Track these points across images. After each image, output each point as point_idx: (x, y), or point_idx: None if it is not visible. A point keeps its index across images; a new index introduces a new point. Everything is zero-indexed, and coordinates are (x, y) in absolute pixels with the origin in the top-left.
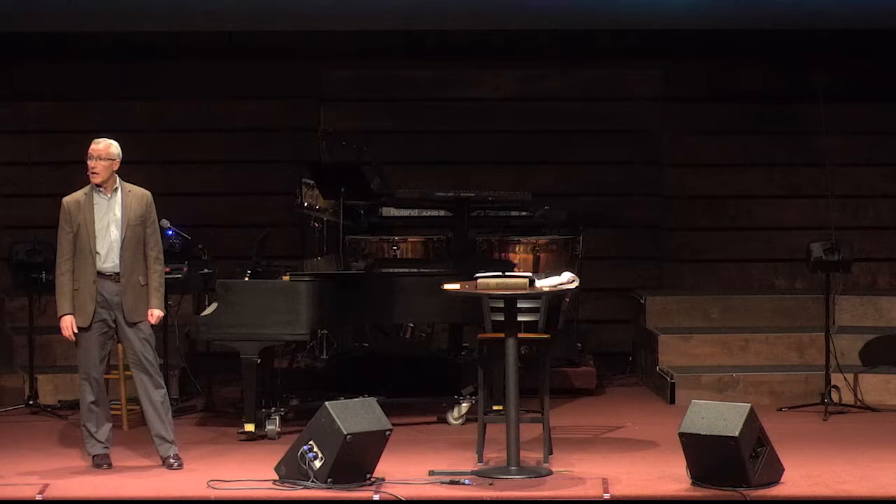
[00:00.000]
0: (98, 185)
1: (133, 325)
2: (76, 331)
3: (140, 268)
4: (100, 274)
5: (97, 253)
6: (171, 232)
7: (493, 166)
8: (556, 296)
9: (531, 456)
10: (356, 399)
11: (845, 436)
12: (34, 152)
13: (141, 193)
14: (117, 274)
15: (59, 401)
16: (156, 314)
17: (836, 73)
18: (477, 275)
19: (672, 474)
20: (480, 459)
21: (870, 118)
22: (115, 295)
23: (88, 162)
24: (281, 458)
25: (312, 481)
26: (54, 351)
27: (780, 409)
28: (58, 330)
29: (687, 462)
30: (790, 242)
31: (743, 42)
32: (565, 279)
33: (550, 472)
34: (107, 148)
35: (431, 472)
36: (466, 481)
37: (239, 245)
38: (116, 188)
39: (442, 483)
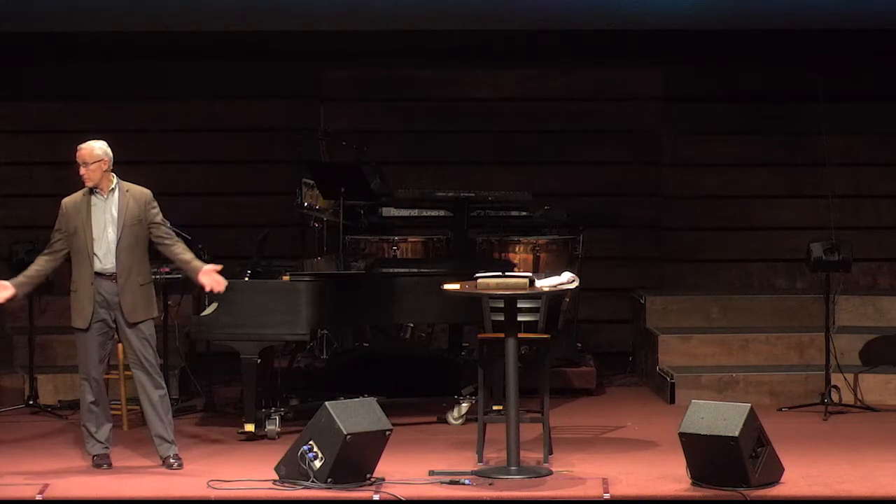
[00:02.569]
0: (93, 187)
1: (132, 325)
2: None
3: (139, 268)
4: (99, 274)
5: (95, 254)
6: None
7: (493, 166)
8: (556, 296)
9: (531, 456)
10: (356, 399)
11: (845, 436)
12: (34, 152)
13: (140, 193)
14: (115, 274)
15: (59, 401)
16: (208, 267)
17: (836, 73)
18: (477, 275)
19: (672, 474)
20: (480, 459)
21: (870, 118)
22: (113, 295)
23: (79, 168)
24: (281, 458)
25: (312, 481)
26: (54, 351)
27: (780, 409)
28: (58, 330)
29: (687, 462)
30: (790, 242)
31: (743, 42)
32: (565, 279)
33: (550, 472)
34: (90, 151)
35: (431, 472)
36: (466, 481)
37: (239, 245)
38: (113, 188)
39: (442, 483)
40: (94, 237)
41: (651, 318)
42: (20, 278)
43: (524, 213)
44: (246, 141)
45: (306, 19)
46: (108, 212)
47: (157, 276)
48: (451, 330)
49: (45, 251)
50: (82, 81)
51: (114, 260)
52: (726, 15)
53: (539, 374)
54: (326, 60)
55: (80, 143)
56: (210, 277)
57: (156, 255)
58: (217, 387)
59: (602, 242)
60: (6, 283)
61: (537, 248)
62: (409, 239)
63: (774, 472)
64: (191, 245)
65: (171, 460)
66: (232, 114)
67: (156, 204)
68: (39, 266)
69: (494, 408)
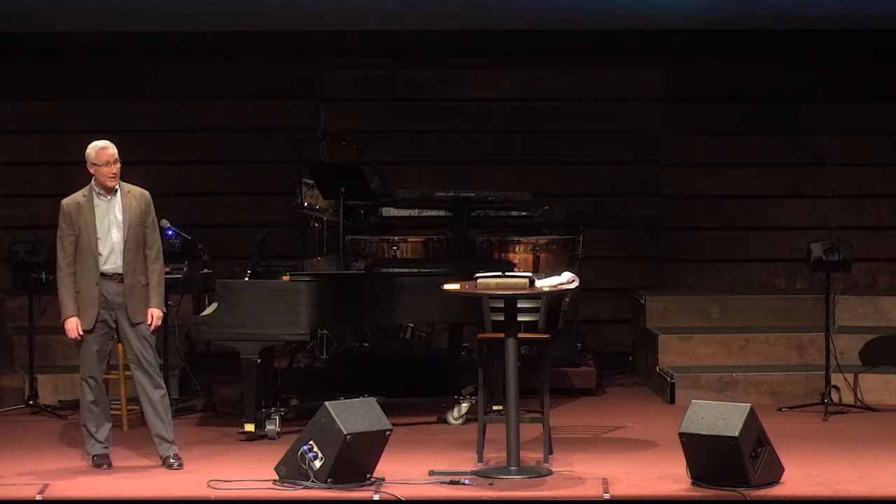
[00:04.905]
0: (100, 188)
1: (134, 325)
2: (81, 332)
3: (142, 268)
4: (103, 275)
5: (99, 255)
6: (171, 232)
7: (493, 166)
8: (556, 296)
9: (531, 456)
10: (356, 399)
11: (845, 436)
12: (34, 152)
13: (140, 193)
14: (120, 275)
15: (59, 401)
16: (155, 314)
17: (836, 73)
18: (477, 275)
19: (672, 474)
20: (480, 459)
21: (870, 118)
22: (117, 295)
23: (105, 168)
24: (281, 458)
25: (312, 481)
26: (54, 351)
27: (780, 409)
28: (58, 330)
29: (687, 462)
30: (790, 242)
31: (743, 42)
32: (565, 279)
33: (550, 472)
34: (116, 152)
35: (431, 472)
36: (466, 481)
37: (239, 245)
38: (115, 189)
39: (442, 483)
40: (99, 237)
41: (651, 318)
42: (73, 298)
43: (524, 213)
44: (246, 141)
45: (306, 19)
46: (111, 213)
47: None
48: (451, 330)
49: (65, 262)
50: (82, 81)
51: (119, 261)
52: (726, 15)
53: (539, 374)
54: (326, 60)
55: (80, 142)
56: (151, 318)
57: None
58: (217, 387)
59: (602, 242)
60: (73, 318)
61: (537, 248)
62: (409, 239)
63: (774, 472)
64: (191, 245)
65: (171, 460)
66: (232, 114)
67: (153, 206)
68: (71, 282)
69: (494, 408)
